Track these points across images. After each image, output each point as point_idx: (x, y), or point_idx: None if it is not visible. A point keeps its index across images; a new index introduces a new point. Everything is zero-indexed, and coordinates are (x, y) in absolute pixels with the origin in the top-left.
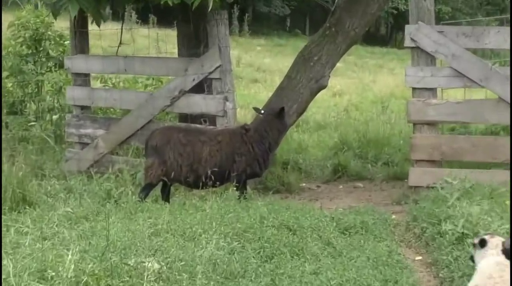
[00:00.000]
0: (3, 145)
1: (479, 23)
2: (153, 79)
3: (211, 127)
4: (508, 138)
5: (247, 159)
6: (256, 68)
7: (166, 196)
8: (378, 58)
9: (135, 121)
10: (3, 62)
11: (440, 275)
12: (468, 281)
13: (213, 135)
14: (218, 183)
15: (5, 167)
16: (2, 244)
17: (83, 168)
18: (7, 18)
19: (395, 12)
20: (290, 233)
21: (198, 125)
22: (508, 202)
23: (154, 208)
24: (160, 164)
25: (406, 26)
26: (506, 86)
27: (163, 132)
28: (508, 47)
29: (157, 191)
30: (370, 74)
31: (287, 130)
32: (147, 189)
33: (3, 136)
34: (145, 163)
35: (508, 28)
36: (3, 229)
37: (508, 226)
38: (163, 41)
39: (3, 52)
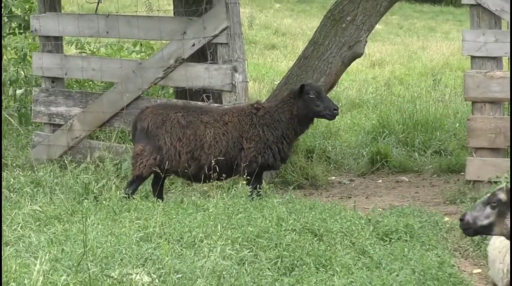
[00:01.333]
0: None
1: None
2: (141, 44)
3: (216, 105)
4: None
5: (257, 145)
6: (273, 31)
7: (159, 191)
8: (428, 18)
9: (119, 98)
10: None
11: None
12: None
13: (218, 115)
14: (224, 175)
15: None
16: None
17: (55, 155)
18: None
19: None
20: (315, 239)
21: (199, 103)
22: None
23: (144, 206)
24: (153, 150)
25: None
26: None
27: (156, 111)
28: None
29: (147, 185)
30: (418, 39)
31: (312, 115)
32: (135, 183)
33: None
34: (134, 149)
35: None
36: None
37: None
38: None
39: None
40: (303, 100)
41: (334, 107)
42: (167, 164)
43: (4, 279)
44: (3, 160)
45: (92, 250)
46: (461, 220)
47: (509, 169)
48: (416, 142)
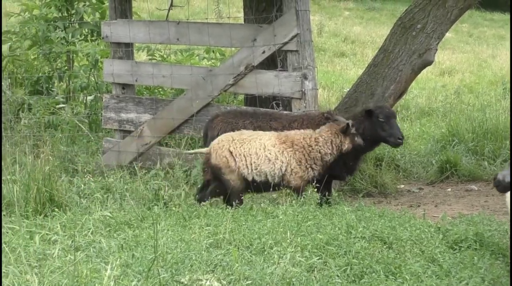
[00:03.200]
0: (26, 131)
1: None
2: (213, 51)
3: (286, 112)
4: None
5: None
6: (343, 38)
7: (228, 198)
8: (499, 27)
9: (189, 105)
10: (25, 29)
11: None
12: None
13: (288, 121)
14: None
15: (28, 159)
16: (26, 254)
17: (125, 162)
18: None
19: None
20: (385, 247)
21: (269, 110)
22: None
23: (213, 213)
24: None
25: None
26: None
27: (226, 119)
28: None
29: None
30: (488, 47)
31: (376, 138)
32: (205, 189)
33: (26, 121)
34: (204, 156)
35: None
36: (26, 236)
37: None
38: (225, 3)
39: (26, 15)
40: (371, 122)
41: (399, 137)
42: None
43: (74, 284)
44: (74, 166)
45: (162, 255)
46: (494, 178)
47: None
48: (485, 151)
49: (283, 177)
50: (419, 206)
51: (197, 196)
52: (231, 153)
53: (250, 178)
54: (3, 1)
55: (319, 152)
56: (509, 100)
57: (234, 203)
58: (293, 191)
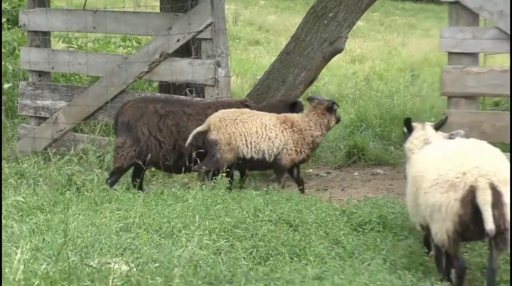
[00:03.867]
0: None
1: None
2: (129, 39)
3: (199, 99)
4: None
5: None
6: (257, 27)
7: (139, 183)
8: (409, 16)
9: (104, 92)
10: None
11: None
12: None
13: (201, 108)
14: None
15: None
16: None
17: (39, 148)
18: None
19: None
20: (291, 230)
21: (181, 97)
22: None
23: (124, 197)
24: (133, 143)
25: None
26: None
27: (136, 104)
28: None
29: (128, 177)
30: (399, 36)
31: None
32: (116, 174)
33: None
34: (115, 142)
35: None
36: None
37: None
38: None
39: None
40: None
41: None
42: (147, 155)
43: None
44: None
45: (73, 239)
46: None
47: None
48: (392, 136)
49: (276, 156)
50: (326, 189)
51: (108, 180)
52: (233, 130)
53: (248, 156)
54: None
55: (312, 136)
56: (416, 87)
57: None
58: (279, 170)
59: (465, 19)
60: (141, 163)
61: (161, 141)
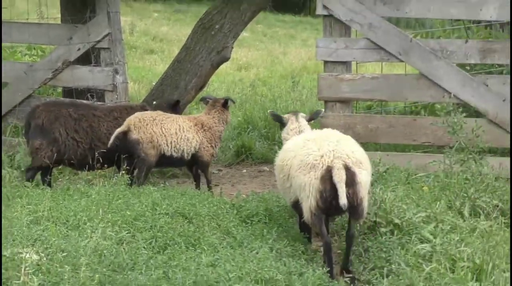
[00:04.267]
0: None
1: None
2: (34, 48)
3: (100, 103)
4: (429, 119)
5: None
6: (152, 37)
7: (48, 180)
8: (289, 27)
9: (12, 97)
10: None
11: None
12: (380, 274)
13: (107, 111)
14: (106, 165)
15: None
16: None
17: None
18: None
19: None
20: (186, 222)
21: (86, 101)
22: (425, 188)
23: (34, 193)
24: (50, 144)
25: None
26: (428, 61)
27: (48, 108)
28: (432, 16)
29: (38, 174)
30: (280, 46)
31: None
32: (32, 171)
33: None
34: (32, 144)
35: None
36: None
37: (424, 214)
38: (46, 5)
39: None
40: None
41: None
42: (65, 154)
43: None
44: None
45: None
46: None
47: (509, 169)
48: (276, 136)
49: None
50: (217, 185)
51: (26, 175)
52: (154, 130)
53: (168, 154)
54: None
55: (219, 131)
56: (297, 92)
57: (141, 177)
58: (203, 166)
59: (337, 31)
60: (51, 163)
61: (78, 141)
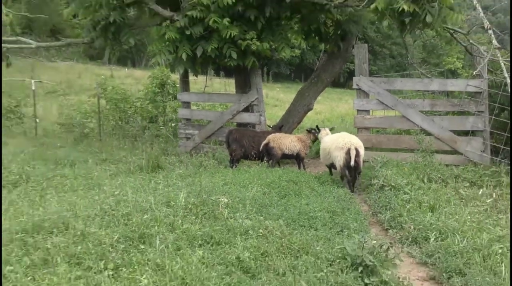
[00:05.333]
0: (148, 139)
1: (391, 77)
2: (221, 105)
3: (254, 129)
4: (407, 136)
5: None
6: (275, 99)
7: (234, 165)
8: (338, 93)
9: (213, 127)
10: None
11: (372, 207)
12: (385, 209)
13: (259, 133)
14: (257, 158)
15: (148, 149)
16: (147, 187)
17: (188, 150)
18: (147, 73)
19: (348, 70)
20: (294, 184)
21: (250, 129)
22: (406, 169)
23: (225, 171)
24: (240, 148)
25: (354, 78)
26: (404, 109)
27: (238, 131)
28: (406, 88)
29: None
30: (335, 102)
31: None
32: (232, 163)
33: (147, 134)
34: (231, 148)
35: (406, 79)
36: (148, 181)
37: (405, 181)
38: (227, 85)
39: (144, 91)
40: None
41: None
42: (246, 154)
43: (168, 200)
44: (166, 152)
45: (204, 188)
46: None
47: (509, 169)
48: None
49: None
50: (308, 168)
51: (230, 165)
52: (280, 141)
53: (286, 153)
54: None
55: (308, 143)
56: (344, 123)
57: (274, 162)
58: (301, 158)
59: (363, 96)
60: (242, 157)
61: (252, 147)
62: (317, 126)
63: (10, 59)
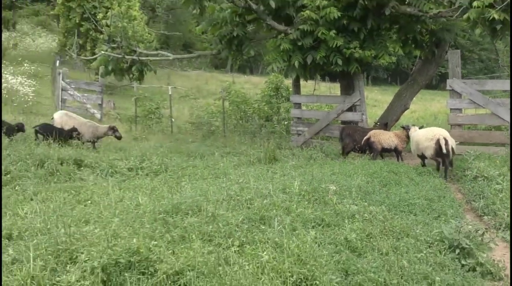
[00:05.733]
0: (264, 135)
1: (482, 79)
2: (327, 105)
3: (357, 126)
4: (498, 132)
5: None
6: (374, 100)
7: (345, 156)
8: (431, 94)
9: (321, 124)
10: (263, 97)
11: (466, 195)
12: (478, 197)
13: (369, 130)
14: (360, 151)
15: (265, 144)
16: (267, 177)
17: (299, 144)
18: (263, 79)
19: (439, 73)
20: (394, 174)
21: (355, 125)
22: (497, 161)
23: (332, 162)
24: (352, 142)
25: (448, 80)
26: (497, 107)
27: (350, 127)
28: (496, 88)
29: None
30: (428, 102)
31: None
32: (344, 154)
33: (263, 131)
34: (344, 142)
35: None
36: (266, 171)
37: (498, 172)
38: (332, 88)
39: (261, 94)
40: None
41: None
42: (356, 146)
43: (283, 187)
44: (281, 146)
45: (314, 177)
46: None
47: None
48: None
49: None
50: (405, 159)
51: (342, 154)
52: (380, 137)
53: (385, 147)
54: None
55: (404, 139)
56: (437, 120)
57: (376, 155)
58: (399, 152)
59: (456, 96)
60: (353, 150)
61: (358, 141)
62: (407, 125)
63: (154, 68)
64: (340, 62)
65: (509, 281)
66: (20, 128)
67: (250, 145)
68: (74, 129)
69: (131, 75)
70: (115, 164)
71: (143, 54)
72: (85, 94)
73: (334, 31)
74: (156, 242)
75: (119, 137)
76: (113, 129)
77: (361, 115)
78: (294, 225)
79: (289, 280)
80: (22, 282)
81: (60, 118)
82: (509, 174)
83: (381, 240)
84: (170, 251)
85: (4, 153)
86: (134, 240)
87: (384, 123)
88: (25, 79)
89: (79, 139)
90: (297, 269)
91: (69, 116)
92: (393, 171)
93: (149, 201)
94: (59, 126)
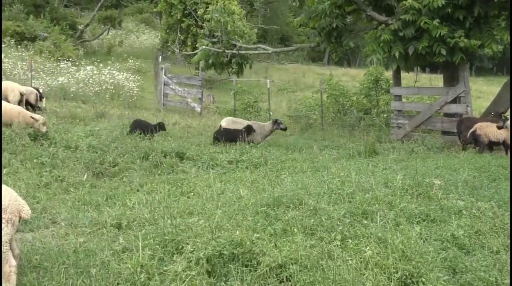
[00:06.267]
0: (363, 128)
1: None
2: (429, 97)
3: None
4: None
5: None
6: (479, 91)
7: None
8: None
9: (422, 117)
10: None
11: None
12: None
13: (474, 120)
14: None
15: (364, 137)
16: (367, 171)
17: (399, 138)
18: (361, 72)
19: None
20: (504, 169)
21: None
22: None
23: (435, 156)
24: (471, 134)
25: None
26: None
27: (469, 119)
28: None
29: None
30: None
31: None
32: (464, 146)
33: (362, 124)
34: (463, 135)
35: None
36: (366, 164)
37: None
38: (433, 79)
39: (360, 87)
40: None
41: None
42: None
43: (385, 181)
44: (381, 139)
45: (418, 171)
46: None
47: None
48: None
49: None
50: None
51: (462, 147)
52: (486, 130)
53: (492, 140)
54: None
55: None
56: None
57: (482, 148)
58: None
59: None
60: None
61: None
62: (506, 117)
63: (251, 62)
64: (444, 52)
65: None
66: (161, 127)
67: (348, 138)
68: (249, 127)
69: (230, 69)
70: (215, 157)
71: (243, 48)
72: (186, 89)
73: (437, 20)
74: (258, 235)
75: (284, 129)
76: (277, 123)
77: (466, 107)
78: (397, 220)
79: (394, 276)
80: (133, 270)
81: (227, 125)
82: None
83: (491, 238)
84: (272, 244)
85: (112, 145)
86: (237, 232)
87: (499, 114)
88: (130, 75)
89: (249, 142)
90: (402, 265)
91: (234, 121)
92: (502, 165)
93: (250, 193)
94: None
